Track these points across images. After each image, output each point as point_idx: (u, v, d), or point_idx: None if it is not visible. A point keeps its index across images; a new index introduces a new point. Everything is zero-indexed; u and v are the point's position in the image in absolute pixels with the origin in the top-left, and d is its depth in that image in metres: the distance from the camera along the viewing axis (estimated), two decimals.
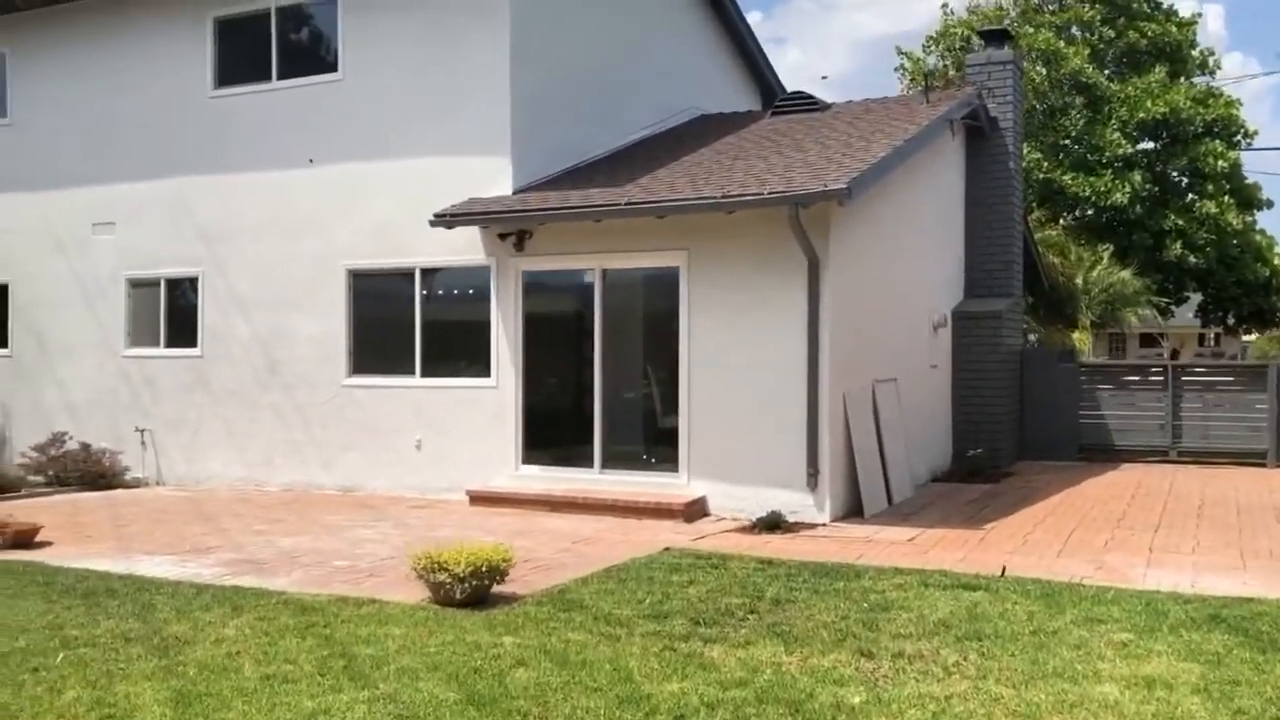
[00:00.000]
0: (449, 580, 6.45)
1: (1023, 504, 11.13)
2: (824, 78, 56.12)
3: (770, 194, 9.76)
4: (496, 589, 6.73)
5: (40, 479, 12.95)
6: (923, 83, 25.91)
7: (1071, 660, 5.41)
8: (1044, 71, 24.90)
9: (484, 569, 6.52)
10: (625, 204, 10.42)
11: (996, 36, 15.07)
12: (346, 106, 12.50)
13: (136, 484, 13.37)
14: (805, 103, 14.37)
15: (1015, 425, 14.90)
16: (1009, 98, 14.47)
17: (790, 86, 17.12)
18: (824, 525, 9.89)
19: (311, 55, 12.89)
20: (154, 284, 13.75)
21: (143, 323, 13.89)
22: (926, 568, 7.74)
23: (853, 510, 10.44)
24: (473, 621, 6.06)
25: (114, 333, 13.98)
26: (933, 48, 27.92)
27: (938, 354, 13.72)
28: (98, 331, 14.07)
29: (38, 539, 8.82)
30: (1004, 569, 7.71)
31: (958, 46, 26.70)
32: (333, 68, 12.61)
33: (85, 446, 13.23)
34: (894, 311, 12.13)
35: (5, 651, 5.45)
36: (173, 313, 13.65)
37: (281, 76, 12.93)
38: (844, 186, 9.42)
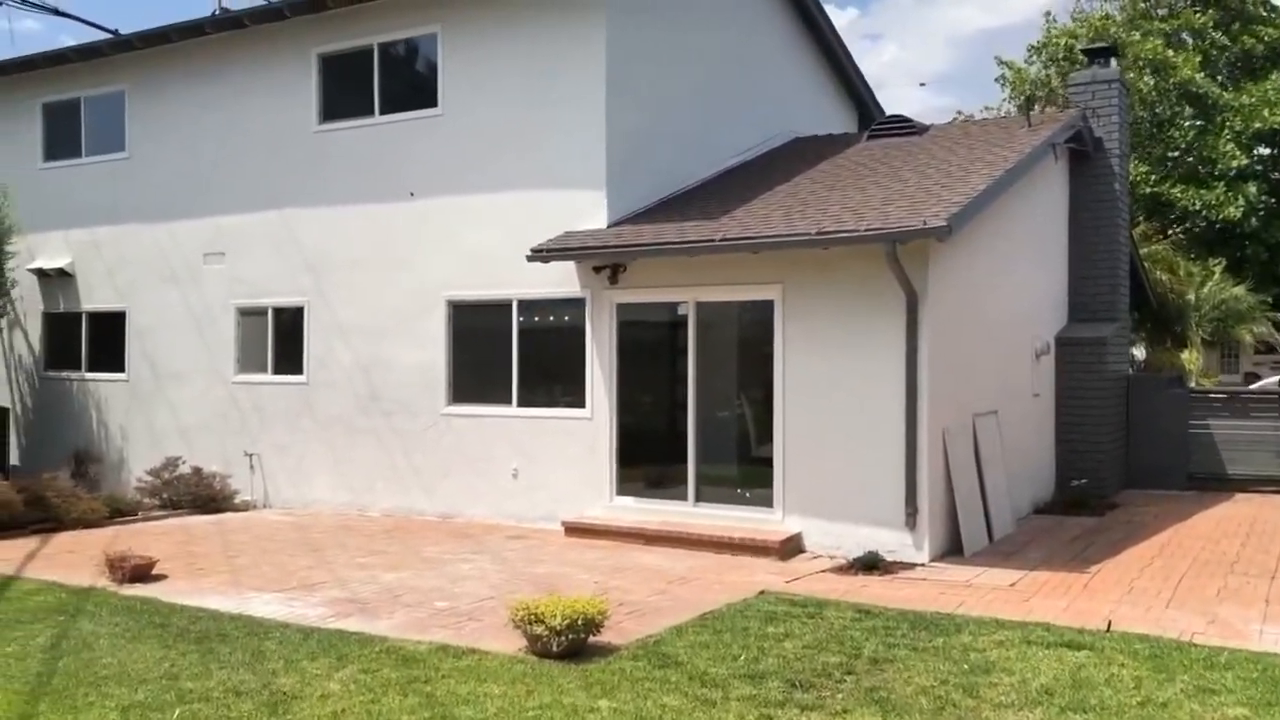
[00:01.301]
0: (545, 633, 6.53)
1: (1129, 542, 10.82)
2: (922, 84, 55.16)
3: (867, 231, 9.67)
4: (592, 639, 6.79)
5: (155, 502, 13.46)
6: (1023, 96, 25.39)
7: None
8: (1151, 81, 24.08)
9: (580, 622, 6.59)
10: (720, 240, 10.43)
11: (1101, 54, 14.68)
12: (446, 140, 12.74)
13: (245, 507, 13.81)
14: (902, 126, 14.19)
15: (1121, 453, 14.50)
16: (1114, 118, 14.09)
17: (888, 83, 17.32)
18: (922, 565, 9.75)
19: (412, 90, 13.15)
20: (261, 313, 14.19)
21: (251, 350, 14.34)
22: (1029, 620, 7.57)
23: (952, 548, 10.27)
24: (569, 679, 6.12)
25: (224, 359, 14.47)
26: (1035, 58, 27.25)
27: (1040, 382, 13.41)
28: (208, 358, 14.58)
29: (154, 572, 9.17)
30: (1109, 623, 7.52)
31: (1060, 57, 26.03)
32: (433, 102, 12.86)
33: (197, 470, 13.70)
34: (995, 341, 11.90)
35: (126, 705, 5.68)
36: (279, 340, 14.07)
37: (383, 111, 13.24)
38: (944, 224, 9.28)
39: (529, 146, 12.22)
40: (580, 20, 11.92)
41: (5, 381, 16.67)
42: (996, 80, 27.74)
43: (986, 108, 29.22)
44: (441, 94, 12.80)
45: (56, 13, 18.69)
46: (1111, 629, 7.35)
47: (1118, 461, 14.35)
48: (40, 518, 11.88)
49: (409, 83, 13.28)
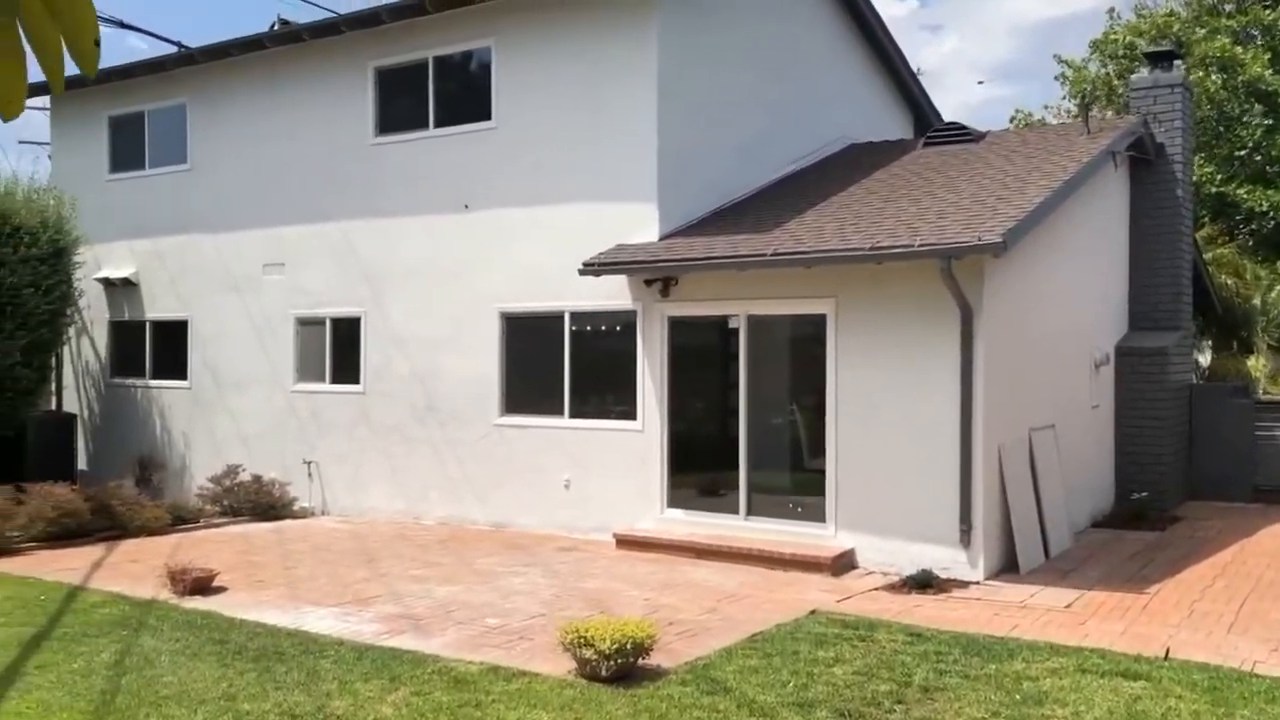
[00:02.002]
0: (595, 657, 6.57)
1: (1190, 559, 10.62)
2: (980, 83, 54.38)
3: (921, 246, 9.58)
4: (642, 662, 6.82)
5: (216, 509, 13.73)
6: (1082, 97, 24.93)
7: None
8: (1219, 80, 23.51)
9: (629, 646, 6.62)
10: (771, 254, 10.40)
11: (1163, 57, 14.37)
12: (499, 153, 12.83)
13: (303, 514, 14.03)
14: (958, 133, 14.04)
15: (1183, 464, 14.22)
16: (1177, 123, 13.79)
17: (948, 73, 16.86)
18: (977, 584, 9.64)
19: (466, 103, 13.26)
20: (320, 323, 14.41)
21: (309, 359, 14.57)
22: (1084, 646, 7.46)
23: (1008, 565, 10.15)
24: (618, 705, 6.15)
25: (283, 368, 14.71)
26: (1095, 55, 26.73)
27: (1100, 393, 13.20)
28: (268, 367, 14.83)
29: (214, 584, 9.36)
30: (1167, 651, 7.38)
31: (1120, 54, 25.52)
32: (487, 115, 12.96)
33: (257, 478, 13.95)
34: (1052, 353, 11.73)
35: None
36: (337, 350, 14.28)
37: (438, 124, 13.37)
38: (999, 240, 9.17)
39: (581, 158, 12.27)
40: (632, 32, 11.94)
41: (73, 388, 17.10)
42: (1056, 79, 27.29)
43: (1045, 106, 28.80)
44: (495, 107, 12.89)
45: (121, 25, 19.11)
46: (1170, 657, 7.22)
47: (1180, 473, 14.08)
48: (106, 525, 12.19)
49: (463, 95, 13.39)
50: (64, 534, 11.78)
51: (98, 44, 1.72)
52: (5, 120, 1.70)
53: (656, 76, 11.78)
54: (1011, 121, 27.88)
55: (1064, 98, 27.55)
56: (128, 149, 16.45)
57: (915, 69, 17.50)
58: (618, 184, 12.01)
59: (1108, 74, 26.16)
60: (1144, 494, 13.03)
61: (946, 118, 17.59)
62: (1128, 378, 13.65)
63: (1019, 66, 55.65)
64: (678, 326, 11.70)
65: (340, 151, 14.12)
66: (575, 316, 12.30)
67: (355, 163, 14.00)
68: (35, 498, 11.97)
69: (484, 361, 12.96)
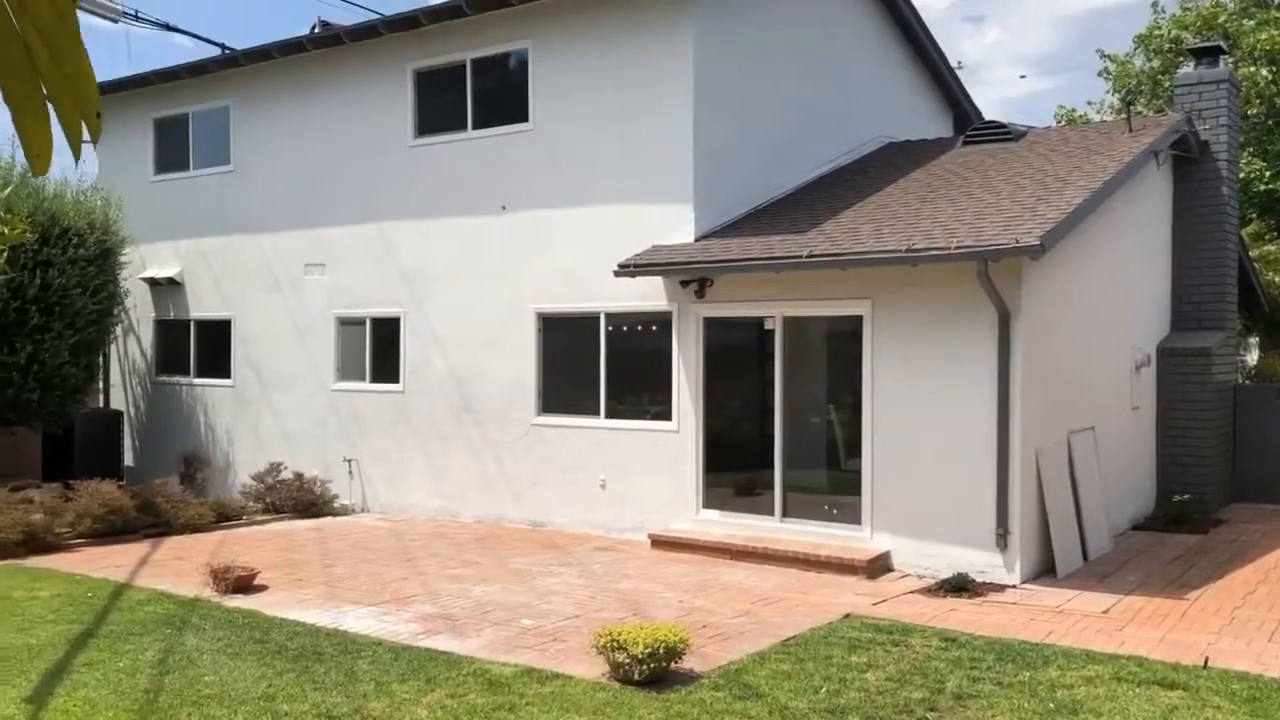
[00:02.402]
0: (628, 661, 6.63)
1: (1233, 564, 10.50)
2: (1022, 77, 53.88)
3: (957, 249, 9.53)
4: (674, 665, 6.86)
5: (258, 506, 13.94)
6: (1126, 91, 24.58)
7: None
8: (1268, 74, 23.08)
9: (661, 651, 6.66)
10: (807, 256, 10.39)
11: (1208, 54, 14.16)
12: (537, 155, 12.91)
13: (344, 511, 14.21)
14: (998, 132, 13.92)
15: (1227, 467, 14.04)
16: (1222, 119, 13.60)
17: (990, 65, 16.66)
18: (1013, 588, 9.60)
19: (504, 105, 13.34)
20: (360, 323, 14.58)
21: (350, 358, 14.75)
22: (1120, 653, 7.42)
23: (1045, 569, 10.09)
24: (650, 710, 6.20)
25: (324, 367, 14.90)
26: (1138, 49, 26.32)
27: (1140, 394, 13.05)
28: (309, 366, 15.03)
29: (256, 582, 9.52)
30: (1206, 660, 7.31)
31: (1165, 49, 25.13)
32: (524, 116, 13.03)
33: (299, 476, 14.14)
34: (1092, 355, 11.62)
35: None
36: (377, 350, 14.44)
37: (476, 125, 13.46)
38: (1036, 243, 9.10)
39: (617, 160, 12.32)
40: (667, 33, 11.96)
41: (120, 386, 17.42)
42: (1099, 74, 26.90)
43: (1089, 102, 28.37)
44: (532, 108, 12.96)
45: (168, 27, 19.43)
46: (1209, 665, 7.15)
47: (1224, 475, 13.90)
48: (152, 522, 12.41)
49: (501, 97, 13.47)
50: (111, 531, 12.03)
51: (99, 116, 1.86)
52: (35, 175, 1.84)
53: (692, 77, 11.79)
54: (1055, 118, 27.54)
55: (1108, 92, 27.19)
56: (172, 150, 16.72)
57: (955, 63, 17.39)
58: (653, 185, 12.05)
59: (1152, 69, 25.77)
60: (1186, 496, 12.87)
61: (988, 110, 17.52)
62: (1169, 379, 13.50)
63: (1062, 58, 54.99)
64: (713, 327, 11.72)
65: (380, 153, 14.26)
66: (611, 317, 12.35)
67: (395, 164, 14.13)
68: (83, 495, 12.22)
69: (521, 362, 13.05)
